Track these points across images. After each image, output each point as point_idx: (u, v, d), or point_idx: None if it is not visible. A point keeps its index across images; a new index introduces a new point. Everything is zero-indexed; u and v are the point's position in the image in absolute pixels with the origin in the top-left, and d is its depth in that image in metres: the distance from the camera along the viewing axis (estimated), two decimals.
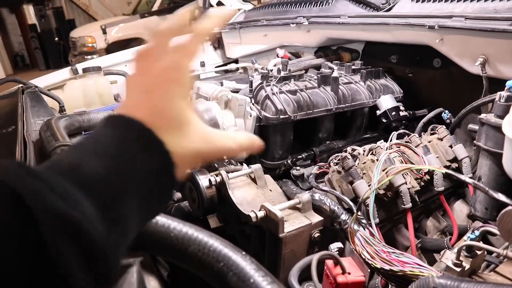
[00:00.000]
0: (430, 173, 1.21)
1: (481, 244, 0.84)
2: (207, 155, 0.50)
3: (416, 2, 1.55)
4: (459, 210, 1.33)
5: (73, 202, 0.35)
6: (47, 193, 0.34)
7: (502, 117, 1.02)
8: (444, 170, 0.83)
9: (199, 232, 0.59)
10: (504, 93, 1.05)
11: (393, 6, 1.65)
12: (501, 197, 0.69)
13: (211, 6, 2.83)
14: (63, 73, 2.47)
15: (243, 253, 0.57)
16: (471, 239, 0.85)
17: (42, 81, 2.34)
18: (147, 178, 0.43)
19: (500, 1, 1.28)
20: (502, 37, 1.20)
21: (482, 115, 1.12)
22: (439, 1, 1.46)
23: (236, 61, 2.87)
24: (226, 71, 2.77)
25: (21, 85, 1.88)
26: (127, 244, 0.42)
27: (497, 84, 1.19)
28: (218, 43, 2.86)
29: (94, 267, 0.35)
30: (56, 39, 11.43)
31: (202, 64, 2.83)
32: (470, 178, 1.21)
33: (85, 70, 2.46)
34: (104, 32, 7.65)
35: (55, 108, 1.91)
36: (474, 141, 1.18)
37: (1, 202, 0.31)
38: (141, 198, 0.43)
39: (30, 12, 11.71)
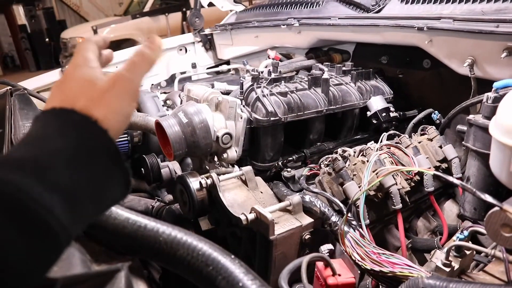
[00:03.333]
0: (420, 173, 1.22)
1: (469, 244, 0.85)
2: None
3: (406, 3, 1.56)
4: (449, 210, 1.34)
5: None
6: None
7: (489, 118, 1.03)
8: (433, 172, 0.83)
9: (188, 236, 0.59)
10: (491, 95, 1.06)
11: (383, 7, 1.65)
12: (488, 198, 0.69)
13: (202, 7, 2.82)
14: (53, 75, 2.43)
15: (232, 256, 0.57)
16: (460, 239, 0.86)
17: (32, 83, 2.30)
18: (78, 148, 0.44)
19: (487, 3, 1.30)
20: (490, 38, 1.21)
21: (470, 116, 1.13)
22: (428, 3, 1.47)
23: (227, 62, 2.86)
24: (218, 73, 2.76)
25: (9, 87, 1.85)
26: (76, 212, 0.41)
27: (485, 85, 1.20)
28: (209, 45, 2.86)
29: (23, 223, 0.36)
30: (47, 40, 11.30)
31: (194, 66, 2.82)
32: (459, 178, 1.23)
33: None
34: (95, 33, 7.59)
35: None
36: (463, 142, 1.19)
37: None
38: (78, 165, 0.43)
39: (20, 12, 11.57)
